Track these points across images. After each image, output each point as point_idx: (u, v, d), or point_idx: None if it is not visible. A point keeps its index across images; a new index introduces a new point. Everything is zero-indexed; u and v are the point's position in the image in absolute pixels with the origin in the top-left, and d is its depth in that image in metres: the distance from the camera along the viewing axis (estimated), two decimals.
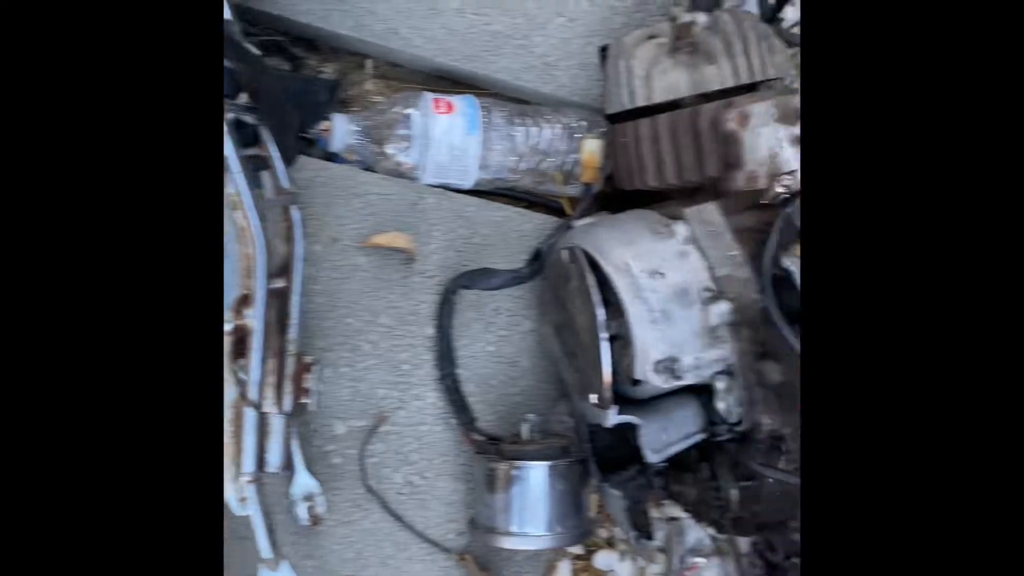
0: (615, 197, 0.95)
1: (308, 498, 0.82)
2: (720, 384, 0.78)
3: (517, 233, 0.97)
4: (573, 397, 0.88)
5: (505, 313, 0.95)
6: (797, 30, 1.05)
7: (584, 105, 0.99)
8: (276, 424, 0.74)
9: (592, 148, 0.93)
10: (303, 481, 0.82)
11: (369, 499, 0.89)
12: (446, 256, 0.94)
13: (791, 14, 1.04)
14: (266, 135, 0.81)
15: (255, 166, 0.81)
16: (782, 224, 0.73)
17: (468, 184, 0.95)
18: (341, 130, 0.91)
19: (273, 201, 0.80)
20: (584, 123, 0.97)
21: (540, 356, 0.96)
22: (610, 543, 1.04)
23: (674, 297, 0.76)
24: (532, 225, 0.98)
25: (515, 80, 0.97)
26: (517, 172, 0.96)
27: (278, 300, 0.81)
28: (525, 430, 0.87)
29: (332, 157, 0.93)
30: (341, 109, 0.95)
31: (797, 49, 1.04)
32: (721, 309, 0.75)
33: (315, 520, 0.82)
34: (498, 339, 0.95)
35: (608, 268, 0.77)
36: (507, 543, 0.83)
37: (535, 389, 0.96)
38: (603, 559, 1.03)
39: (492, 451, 0.86)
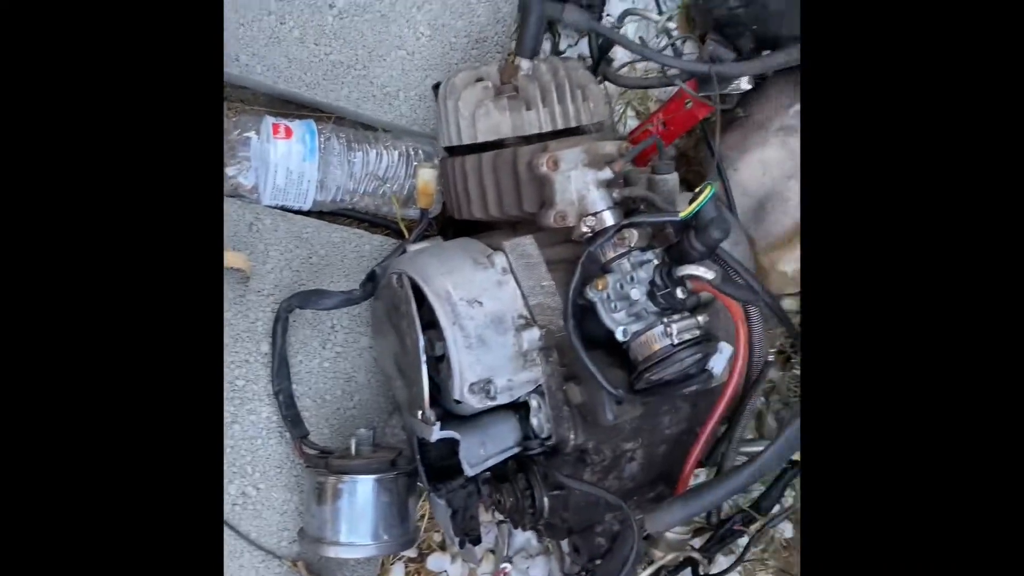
0: (451, 223, 1.01)
1: None
2: (533, 402, 0.85)
3: (355, 254, 1.01)
4: (404, 412, 0.93)
5: (342, 330, 1.00)
6: (626, 70, 1.14)
7: (423, 134, 1.04)
8: None
9: (427, 176, 0.99)
10: None
11: None
12: (282, 276, 0.97)
13: (620, 54, 1.13)
14: None
15: None
16: (586, 259, 0.81)
17: (306, 206, 0.98)
18: None
19: None
20: (421, 151, 1.02)
21: (375, 372, 1.01)
22: (442, 546, 1.11)
23: (490, 324, 0.83)
24: (370, 247, 1.02)
25: (356, 108, 1.01)
26: (356, 195, 1.01)
27: None
28: (354, 444, 0.91)
29: None
30: None
31: (625, 89, 1.13)
32: (533, 335, 0.83)
33: None
34: (335, 355, 0.99)
35: (430, 295, 0.83)
36: (333, 552, 0.88)
37: (371, 403, 1.01)
38: (436, 561, 1.09)
39: (321, 464, 0.90)
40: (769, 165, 1.07)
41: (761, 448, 0.75)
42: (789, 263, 1.06)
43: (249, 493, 0.94)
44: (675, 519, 0.72)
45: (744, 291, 0.80)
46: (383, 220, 1.06)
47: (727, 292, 0.77)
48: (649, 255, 0.80)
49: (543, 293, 0.85)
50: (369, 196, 1.01)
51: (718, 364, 0.77)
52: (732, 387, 0.80)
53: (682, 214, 0.75)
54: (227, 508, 0.92)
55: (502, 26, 1.04)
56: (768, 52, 0.99)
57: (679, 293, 0.79)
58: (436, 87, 0.95)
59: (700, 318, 0.80)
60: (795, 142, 1.07)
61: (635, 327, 0.80)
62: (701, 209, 0.74)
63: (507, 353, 0.83)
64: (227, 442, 0.93)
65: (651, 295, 0.80)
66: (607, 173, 0.83)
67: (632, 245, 0.79)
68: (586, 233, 0.82)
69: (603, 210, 0.83)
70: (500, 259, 0.85)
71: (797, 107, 1.08)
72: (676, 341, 0.78)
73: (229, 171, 0.94)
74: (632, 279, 0.80)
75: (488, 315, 0.83)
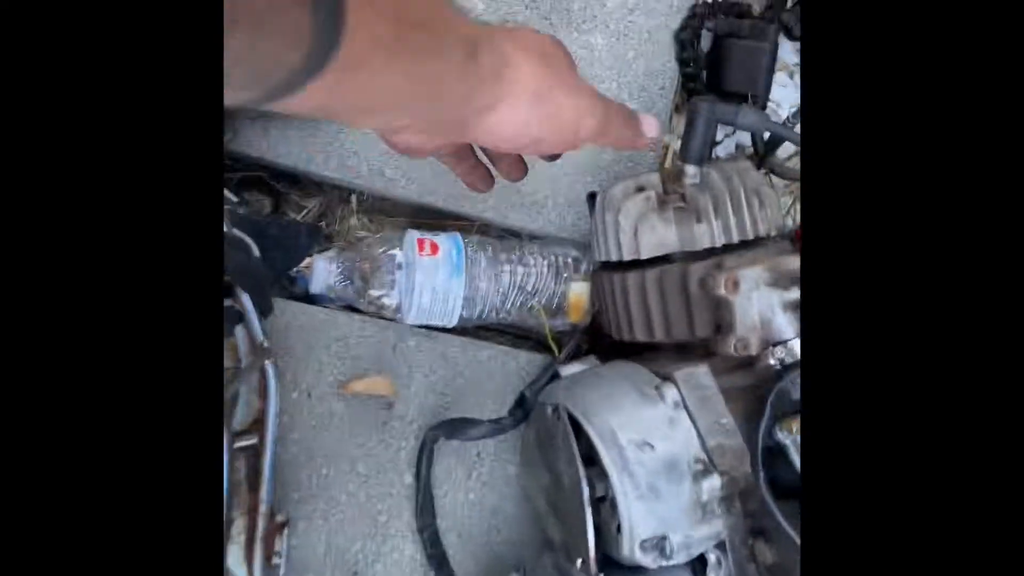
0: (604, 340, 0.93)
1: None
2: (711, 557, 0.74)
3: (502, 372, 0.94)
4: (558, 553, 0.84)
5: (488, 458, 0.92)
6: (793, 162, 1.04)
7: (571, 240, 0.97)
8: None
9: (578, 290, 0.91)
10: None
11: None
12: (427, 399, 0.91)
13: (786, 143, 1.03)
14: (239, 287, 0.78)
15: (229, 319, 0.78)
16: (775, 398, 0.71)
17: (451, 324, 0.92)
18: (322, 271, 0.89)
19: (248, 361, 0.77)
20: (571, 259, 0.95)
21: (523, 504, 0.92)
22: None
23: (663, 470, 0.73)
24: (516, 364, 0.95)
25: (503, 219, 0.95)
26: (503, 311, 0.94)
27: (251, 457, 0.79)
28: None
29: (312, 299, 0.90)
30: (323, 247, 0.93)
31: (796, 182, 1.03)
32: (713, 484, 0.72)
33: None
34: (480, 485, 0.91)
35: (593, 435, 0.74)
36: None
37: (519, 538, 0.92)
38: None
39: None
40: None
41: None
42: None
43: None
44: None
45: None
46: (528, 333, 0.99)
47: None
48: None
49: (722, 433, 0.74)
50: (516, 310, 0.94)
51: None
52: None
53: None
54: None
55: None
56: None
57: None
58: (591, 197, 0.88)
59: None
60: None
61: None
62: None
63: (683, 504, 0.72)
64: None
65: None
66: (795, 293, 0.73)
67: None
68: (774, 365, 0.72)
69: (793, 338, 0.72)
70: (671, 392, 0.75)
71: None
72: None
73: (372, 292, 0.89)
74: None
75: (661, 460, 0.73)
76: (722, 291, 0.73)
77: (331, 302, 0.92)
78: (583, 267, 0.95)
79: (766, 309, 0.73)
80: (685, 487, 0.72)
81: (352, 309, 0.91)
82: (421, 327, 0.92)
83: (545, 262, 0.94)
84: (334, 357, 0.88)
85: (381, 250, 0.89)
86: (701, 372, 0.76)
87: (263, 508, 0.79)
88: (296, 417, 0.86)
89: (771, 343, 0.72)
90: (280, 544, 0.82)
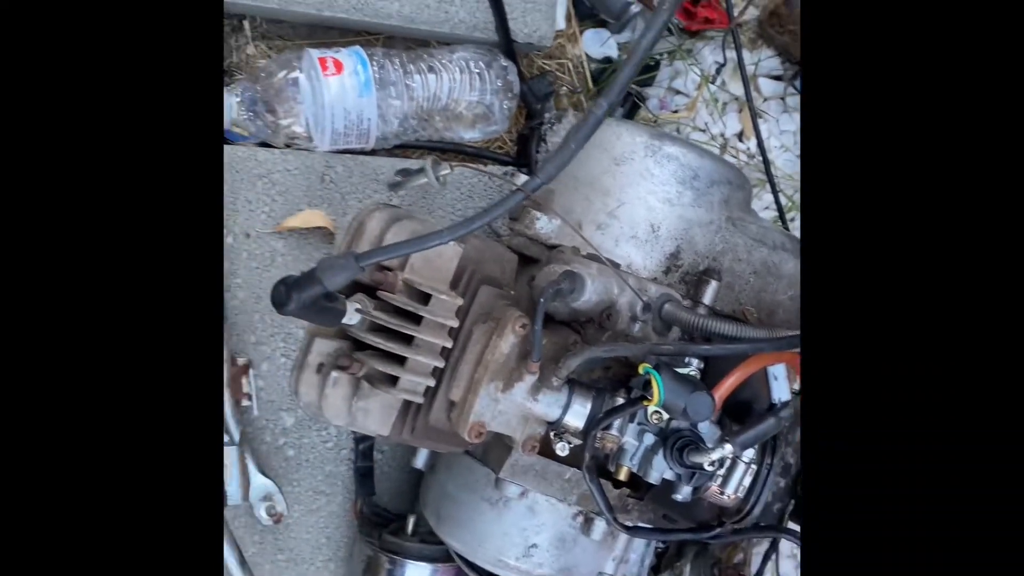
0: None
1: (267, 498, 0.82)
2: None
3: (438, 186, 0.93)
4: None
5: None
6: None
7: (484, 40, 0.94)
8: (229, 455, 0.72)
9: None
10: (258, 483, 0.81)
11: (331, 483, 0.88)
12: None
13: None
14: None
15: None
16: (592, 475, 0.68)
17: (370, 145, 0.90)
18: (226, 105, 0.84)
19: None
20: (483, 64, 0.92)
21: None
22: None
23: (558, 550, 0.76)
24: (454, 175, 0.93)
25: (409, 24, 0.90)
26: (422, 126, 0.91)
27: None
28: (411, 522, 0.84)
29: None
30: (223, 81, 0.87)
31: None
32: (599, 525, 0.74)
33: (277, 518, 0.82)
34: None
35: (489, 567, 0.78)
36: None
37: None
38: None
39: (374, 535, 0.83)
40: None
41: None
42: None
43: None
44: None
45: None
46: (453, 147, 0.97)
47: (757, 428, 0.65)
48: (648, 440, 0.67)
49: (573, 484, 0.72)
50: (437, 118, 0.92)
51: (782, 391, 0.68)
52: None
53: (650, 410, 0.63)
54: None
55: None
56: None
57: (706, 466, 0.65)
58: None
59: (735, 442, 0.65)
60: None
61: (687, 488, 0.68)
62: (666, 400, 0.61)
63: (590, 551, 0.75)
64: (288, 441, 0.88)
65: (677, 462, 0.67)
66: (529, 380, 0.65)
67: (622, 439, 0.67)
68: (563, 450, 0.68)
69: (561, 417, 0.66)
70: (510, 488, 0.73)
71: None
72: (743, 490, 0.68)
73: (281, 121, 0.85)
74: (650, 463, 0.67)
75: (550, 545, 0.74)
76: (476, 440, 0.66)
77: (245, 140, 0.88)
78: (507, 76, 0.92)
79: (515, 409, 0.67)
80: (582, 543, 0.74)
81: (267, 146, 0.88)
82: (342, 152, 0.89)
83: (457, 68, 0.91)
84: (262, 195, 0.86)
85: (282, 74, 0.85)
86: (519, 457, 0.70)
87: (223, 354, 0.80)
88: (236, 261, 0.84)
89: (551, 434, 0.68)
90: (248, 386, 0.83)
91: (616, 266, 0.72)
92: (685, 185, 0.74)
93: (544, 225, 0.75)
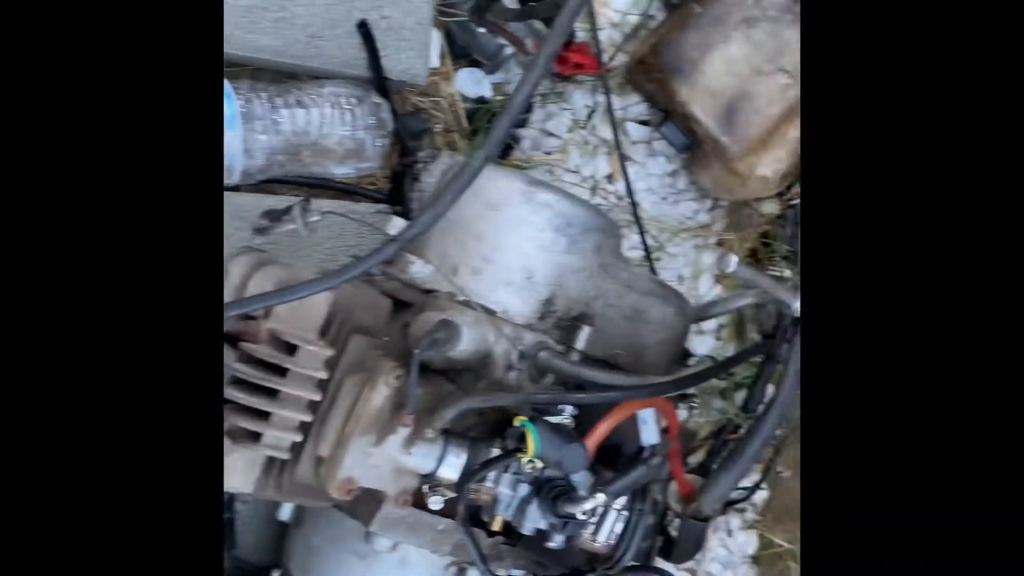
0: None
1: None
2: None
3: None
4: None
5: None
6: None
7: (353, 76, 0.92)
8: None
9: None
10: None
11: None
12: None
13: None
14: None
15: None
16: (467, 527, 0.66)
17: (233, 180, 0.86)
18: None
19: None
20: (355, 99, 0.90)
21: None
22: None
23: None
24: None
25: (277, 57, 0.87)
26: (288, 157, 0.88)
27: None
28: None
29: None
30: None
31: None
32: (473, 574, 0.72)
33: None
34: None
35: None
36: None
37: None
38: None
39: None
40: (734, 62, 1.00)
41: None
42: (768, 165, 1.00)
43: None
44: (726, 490, 0.67)
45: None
46: (322, 182, 0.94)
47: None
48: (523, 491, 0.66)
49: (445, 535, 0.70)
50: (304, 153, 0.89)
51: (651, 435, 0.69)
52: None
53: (524, 461, 0.62)
54: None
55: None
56: None
57: (579, 515, 0.65)
58: (362, 24, 0.82)
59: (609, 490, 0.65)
60: (758, 34, 1.00)
61: (560, 536, 0.67)
62: (541, 452, 0.61)
63: None
64: None
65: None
66: (403, 432, 0.63)
67: (497, 489, 0.66)
68: (437, 504, 0.66)
69: (435, 470, 0.65)
70: (381, 541, 0.71)
71: None
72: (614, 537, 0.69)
73: None
74: (525, 514, 0.66)
75: None
76: (345, 496, 0.64)
77: None
78: (380, 114, 0.91)
79: (388, 463, 0.65)
80: None
81: None
82: None
83: (328, 103, 0.89)
84: None
85: None
86: (389, 510, 0.68)
87: None
88: None
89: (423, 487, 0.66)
90: None
91: (492, 313, 0.71)
92: (559, 232, 0.75)
93: (419, 270, 0.74)
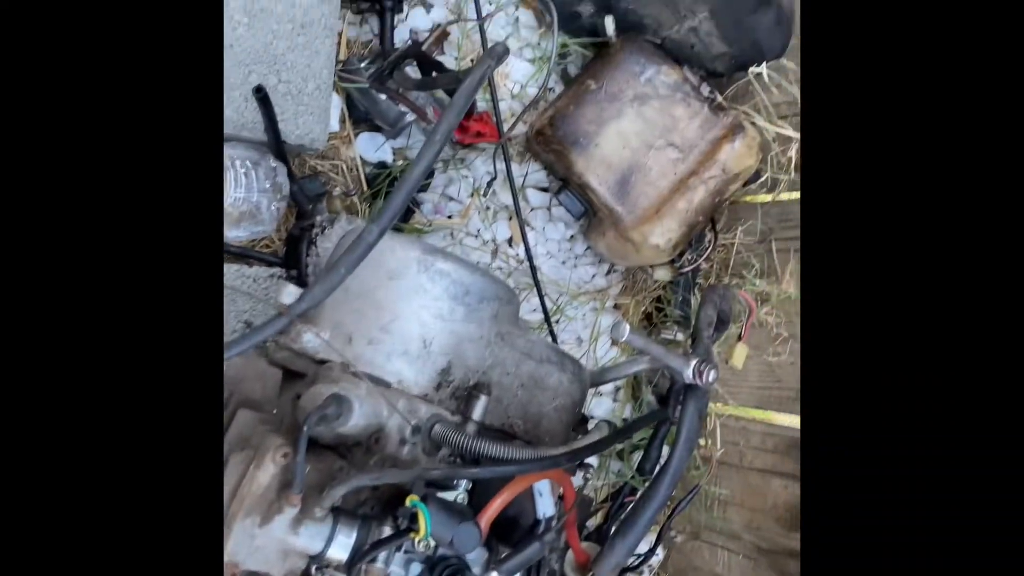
0: None
1: None
2: None
3: None
4: None
5: None
6: None
7: (252, 140, 0.90)
8: None
9: None
10: None
11: None
12: None
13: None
14: None
15: None
16: None
17: None
18: None
19: None
20: (250, 164, 0.89)
21: None
22: None
23: None
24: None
25: None
26: None
27: None
28: None
29: None
30: None
31: None
32: None
33: None
34: None
35: None
36: None
37: None
38: None
39: None
40: (627, 136, 1.04)
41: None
42: (660, 235, 1.04)
43: None
44: (621, 558, 0.68)
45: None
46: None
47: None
48: (415, 570, 0.66)
49: None
50: None
51: (546, 507, 0.71)
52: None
53: (418, 541, 0.61)
54: None
55: (328, 6, 0.91)
56: None
57: None
58: (259, 89, 0.82)
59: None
60: (650, 111, 1.04)
61: None
62: (433, 532, 0.61)
63: None
64: None
65: None
66: (290, 512, 0.61)
67: (389, 569, 0.64)
68: None
69: (324, 551, 0.63)
70: None
71: (649, 73, 1.04)
72: None
73: None
74: None
75: None
76: None
77: None
78: (276, 178, 0.89)
79: (274, 545, 0.62)
80: None
81: None
82: None
83: (224, 165, 0.87)
84: None
85: None
86: None
87: None
88: None
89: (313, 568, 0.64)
90: None
91: (387, 384, 0.70)
92: (457, 301, 0.75)
93: (312, 340, 0.72)
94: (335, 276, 0.57)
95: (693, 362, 0.80)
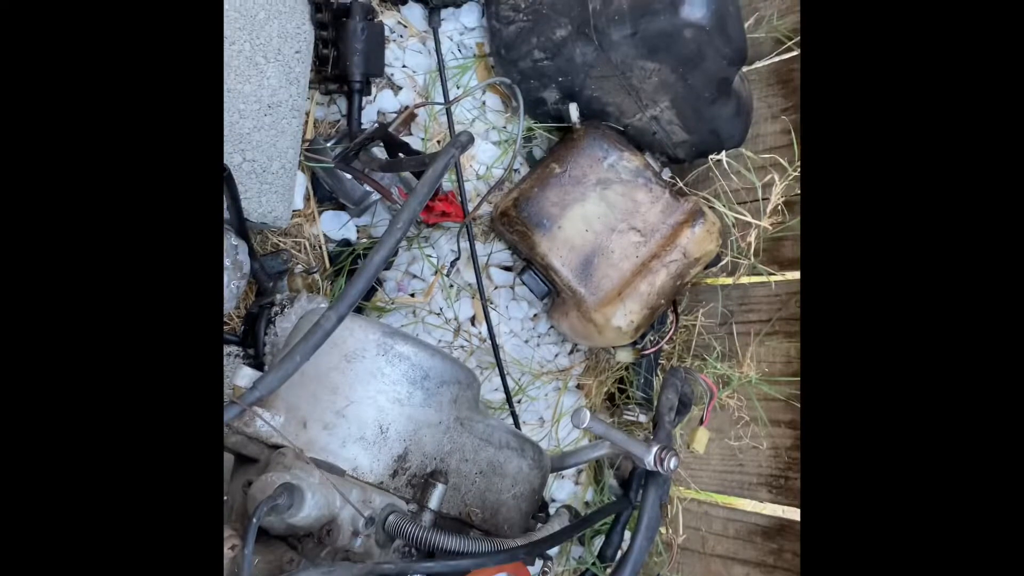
0: None
1: None
2: None
3: None
4: None
5: None
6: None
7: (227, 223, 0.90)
8: None
9: None
10: None
11: None
12: None
13: None
14: None
15: None
16: None
17: None
18: None
19: None
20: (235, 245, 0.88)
21: None
22: None
23: None
24: None
25: None
26: None
27: None
28: None
29: None
30: None
31: None
32: None
33: None
34: None
35: None
36: None
37: None
38: None
39: None
40: (591, 220, 1.05)
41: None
42: (622, 317, 1.04)
43: None
44: None
45: None
46: None
47: None
48: None
49: None
50: None
51: None
52: None
53: None
54: None
55: (296, 88, 0.92)
56: None
57: None
58: (222, 168, 0.82)
59: None
60: (613, 195, 1.06)
61: None
62: None
63: None
64: None
65: None
66: None
67: None
68: None
69: None
70: None
71: (612, 159, 1.07)
72: None
73: None
74: None
75: None
76: None
77: None
78: (237, 255, 0.88)
79: None
80: None
81: None
82: None
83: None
84: None
85: None
86: None
87: None
88: None
89: None
90: None
91: (341, 472, 0.69)
92: (416, 385, 0.74)
93: (265, 423, 0.71)
94: (289, 364, 0.56)
95: (654, 449, 0.80)
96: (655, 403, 0.96)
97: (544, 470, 0.86)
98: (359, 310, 1.03)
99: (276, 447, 0.70)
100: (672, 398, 0.93)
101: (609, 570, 0.99)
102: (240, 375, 0.75)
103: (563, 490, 1.19)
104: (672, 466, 0.80)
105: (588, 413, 0.78)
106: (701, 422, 1.06)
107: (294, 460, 0.68)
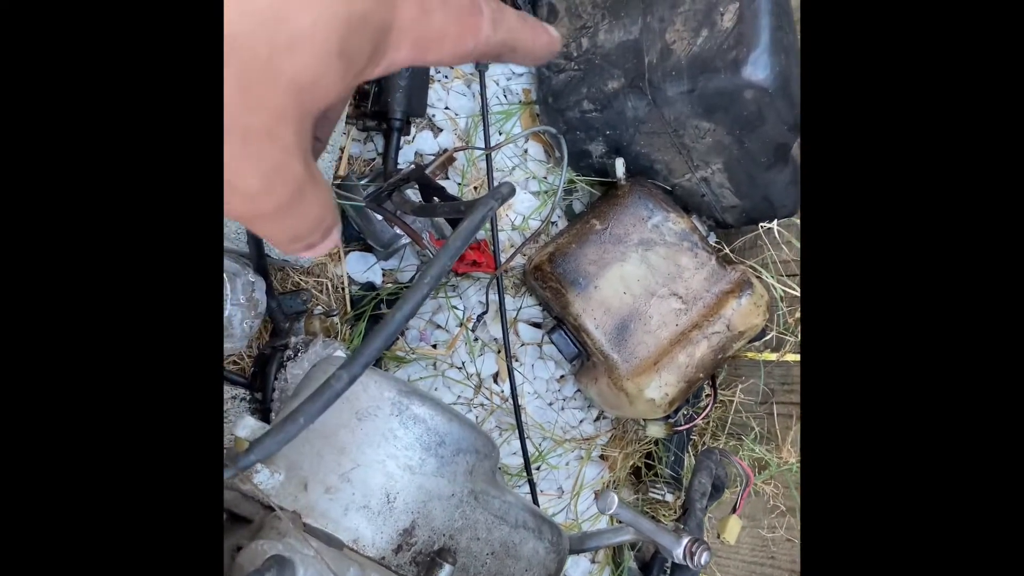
0: None
1: None
2: None
3: None
4: None
5: None
6: None
7: (236, 251, 0.85)
8: None
9: None
10: None
11: None
12: None
13: None
14: None
15: None
16: None
17: None
18: None
19: None
20: (229, 272, 0.83)
21: None
22: None
23: None
24: None
25: None
26: None
27: None
28: None
29: None
30: None
31: None
32: None
33: None
34: None
35: None
36: None
37: None
38: None
39: None
40: (630, 282, 0.99)
41: None
42: (656, 388, 0.97)
43: None
44: None
45: None
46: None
47: None
48: None
49: None
50: None
51: None
52: None
53: None
54: None
55: None
56: None
57: None
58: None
59: None
60: (655, 257, 1.00)
61: None
62: None
63: None
64: None
65: None
66: None
67: None
68: None
69: None
70: None
71: (657, 219, 1.01)
72: None
73: None
74: None
75: None
76: None
77: None
78: (253, 293, 0.83)
79: None
80: None
81: None
82: None
83: (227, 287, 0.81)
84: None
85: None
86: None
87: None
88: None
89: None
90: None
91: (340, 544, 0.62)
92: (429, 452, 0.68)
93: (263, 480, 0.65)
94: (292, 427, 0.50)
95: (684, 541, 0.73)
96: (685, 485, 0.89)
97: (562, 554, 0.79)
98: (374, 365, 0.98)
99: (272, 509, 0.64)
100: (705, 483, 0.86)
101: None
102: (241, 425, 0.69)
103: (578, 568, 1.10)
104: (704, 561, 0.73)
105: (615, 498, 0.71)
106: (734, 509, 0.98)
107: (289, 527, 0.61)
